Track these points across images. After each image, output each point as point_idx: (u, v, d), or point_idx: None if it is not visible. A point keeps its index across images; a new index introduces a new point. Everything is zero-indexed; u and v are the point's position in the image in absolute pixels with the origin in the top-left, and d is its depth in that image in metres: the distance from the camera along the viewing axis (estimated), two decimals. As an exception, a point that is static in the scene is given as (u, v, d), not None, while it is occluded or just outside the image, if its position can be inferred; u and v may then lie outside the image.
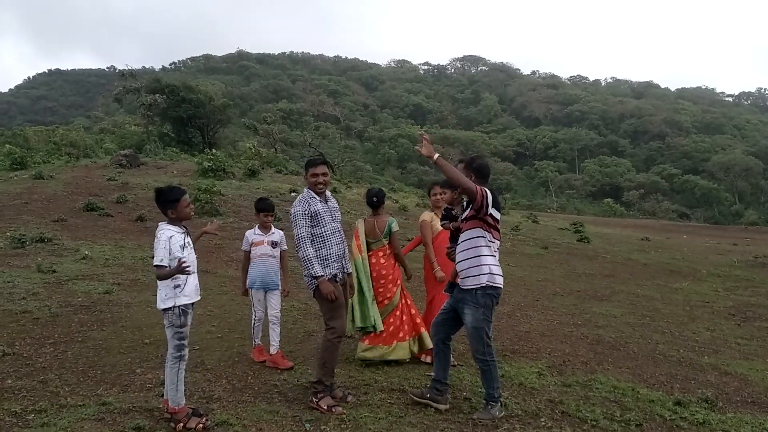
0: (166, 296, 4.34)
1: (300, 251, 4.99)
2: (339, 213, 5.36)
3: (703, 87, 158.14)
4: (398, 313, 6.16)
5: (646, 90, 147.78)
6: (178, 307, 4.35)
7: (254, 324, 6.18)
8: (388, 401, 5.08)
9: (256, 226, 6.27)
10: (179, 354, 4.40)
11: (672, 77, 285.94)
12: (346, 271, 5.33)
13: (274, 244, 6.17)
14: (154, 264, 4.28)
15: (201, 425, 4.29)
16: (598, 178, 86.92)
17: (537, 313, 9.23)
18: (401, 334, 6.11)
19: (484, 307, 4.80)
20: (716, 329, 9.00)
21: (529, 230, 22.61)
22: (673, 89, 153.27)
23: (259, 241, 6.13)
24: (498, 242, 4.92)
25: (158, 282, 4.37)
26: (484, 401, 4.89)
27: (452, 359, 6.17)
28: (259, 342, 6.16)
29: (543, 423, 4.79)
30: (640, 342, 7.88)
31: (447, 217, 5.29)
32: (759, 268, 16.55)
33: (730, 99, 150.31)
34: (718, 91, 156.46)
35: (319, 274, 4.94)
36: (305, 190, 5.23)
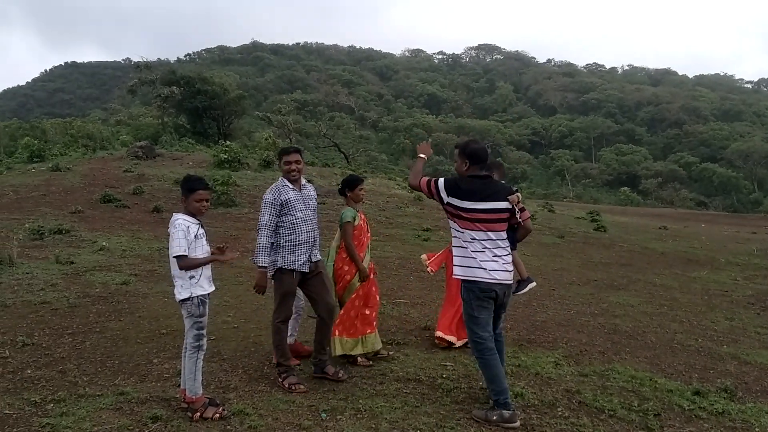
0: (182, 287, 4.37)
1: (258, 237, 5.13)
2: (314, 201, 5.40)
3: (722, 74, 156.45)
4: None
5: (664, 77, 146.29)
6: (196, 297, 4.37)
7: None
8: (404, 391, 5.07)
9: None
10: (198, 344, 4.42)
11: (690, 64, 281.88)
12: (314, 259, 5.32)
13: None
14: (175, 255, 4.27)
15: (218, 414, 4.32)
16: (615, 166, 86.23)
17: (553, 303, 9.19)
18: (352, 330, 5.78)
19: (464, 300, 4.73)
20: (735, 318, 8.90)
21: (545, 219, 22.49)
22: (691, 76, 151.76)
23: None
24: (470, 232, 4.58)
25: (174, 274, 4.39)
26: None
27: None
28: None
29: (560, 413, 4.77)
30: (658, 331, 7.81)
31: None
32: (779, 256, 16.34)
33: (750, 86, 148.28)
34: (737, 77, 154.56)
35: (261, 265, 5.11)
36: (280, 178, 5.31)
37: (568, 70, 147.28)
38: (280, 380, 5.13)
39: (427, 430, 4.31)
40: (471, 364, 5.88)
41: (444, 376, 5.51)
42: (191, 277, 4.37)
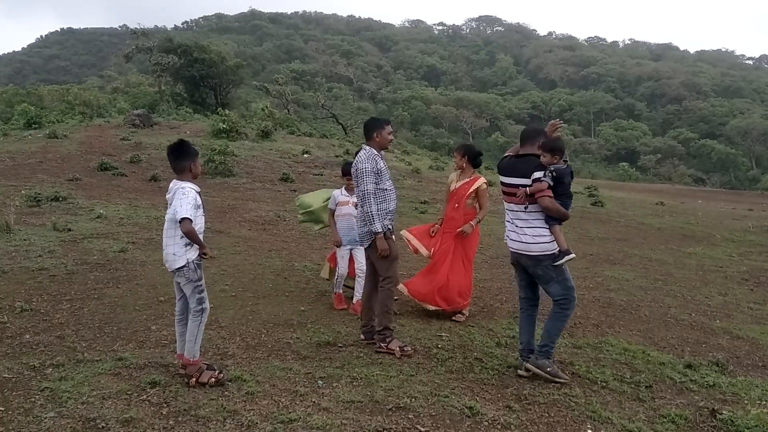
0: (176, 254, 4.35)
1: (364, 206, 5.24)
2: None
3: (723, 50, 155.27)
4: None
5: (665, 52, 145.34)
6: (192, 261, 4.37)
7: (337, 278, 6.78)
8: (400, 360, 5.13)
9: (343, 188, 6.79)
10: (201, 307, 4.45)
11: (691, 39, 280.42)
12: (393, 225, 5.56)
13: (357, 205, 6.27)
14: (183, 216, 4.19)
15: (214, 379, 4.36)
16: (614, 141, 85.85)
17: (549, 276, 9.22)
18: None
19: None
20: (729, 294, 8.98)
21: (543, 193, 22.44)
22: (692, 51, 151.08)
23: (344, 202, 6.68)
24: (506, 203, 5.07)
25: (168, 243, 4.37)
26: None
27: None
28: (340, 290, 6.80)
29: (553, 383, 4.83)
30: (652, 305, 7.88)
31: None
32: (774, 233, 16.40)
33: (751, 62, 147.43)
34: (738, 53, 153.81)
35: (378, 231, 5.22)
36: (367, 148, 5.39)
37: (569, 43, 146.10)
38: (384, 345, 5.25)
39: (422, 398, 4.37)
40: (466, 335, 5.96)
41: (439, 346, 5.57)
42: (187, 244, 4.35)
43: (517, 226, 4.92)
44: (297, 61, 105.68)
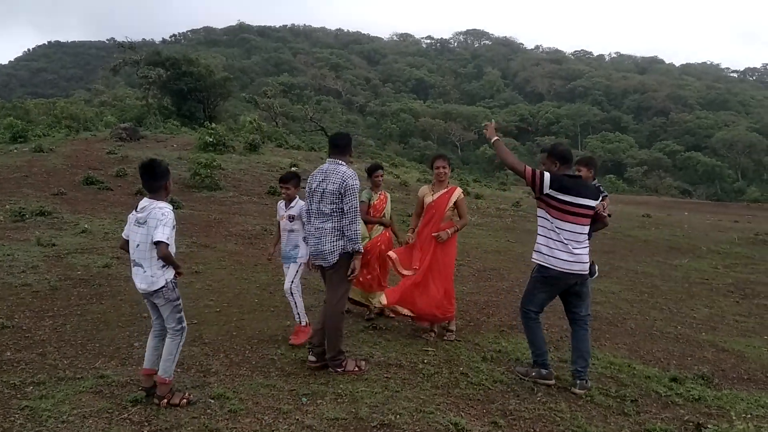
0: (154, 276, 4.25)
1: (355, 224, 5.07)
2: None
3: (708, 63, 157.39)
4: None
5: (651, 65, 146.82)
6: (170, 281, 4.31)
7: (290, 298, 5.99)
8: (385, 376, 5.10)
9: (283, 201, 6.22)
10: (181, 326, 4.38)
11: (677, 53, 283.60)
12: None
13: (291, 218, 6.00)
14: (161, 240, 4.12)
15: (185, 400, 4.29)
16: (601, 154, 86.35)
17: (536, 289, 9.23)
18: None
19: (532, 277, 5.23)
20: (714, 306, 9.02)
21: (531, 206, 22.55)
22: (677, 65, 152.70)
23: (281, 216, 6.13)
24: (561, 221, 4.94)
25: (147, 265, 4.26)
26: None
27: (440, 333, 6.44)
28: (304, 321, 5.97)
29: (539, 398, 4.83)
30: (638, 318, 7.90)
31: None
32: (759, 245, 16.54)
33: (735, 75, 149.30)
34: (723, 66, 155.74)
35: (362, 251, 5.19)
36: (348, 167, 5.21)
37: (555, 56, 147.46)
38: (340, 370, 5.07)
39: (407, 414, 4.33)
40: (452, 349, 5.94)
41: (425, 361, 5.54)
42: (163, 266, 4.27)
43: (573, 248, 4.95)
44: (285, 74, 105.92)
